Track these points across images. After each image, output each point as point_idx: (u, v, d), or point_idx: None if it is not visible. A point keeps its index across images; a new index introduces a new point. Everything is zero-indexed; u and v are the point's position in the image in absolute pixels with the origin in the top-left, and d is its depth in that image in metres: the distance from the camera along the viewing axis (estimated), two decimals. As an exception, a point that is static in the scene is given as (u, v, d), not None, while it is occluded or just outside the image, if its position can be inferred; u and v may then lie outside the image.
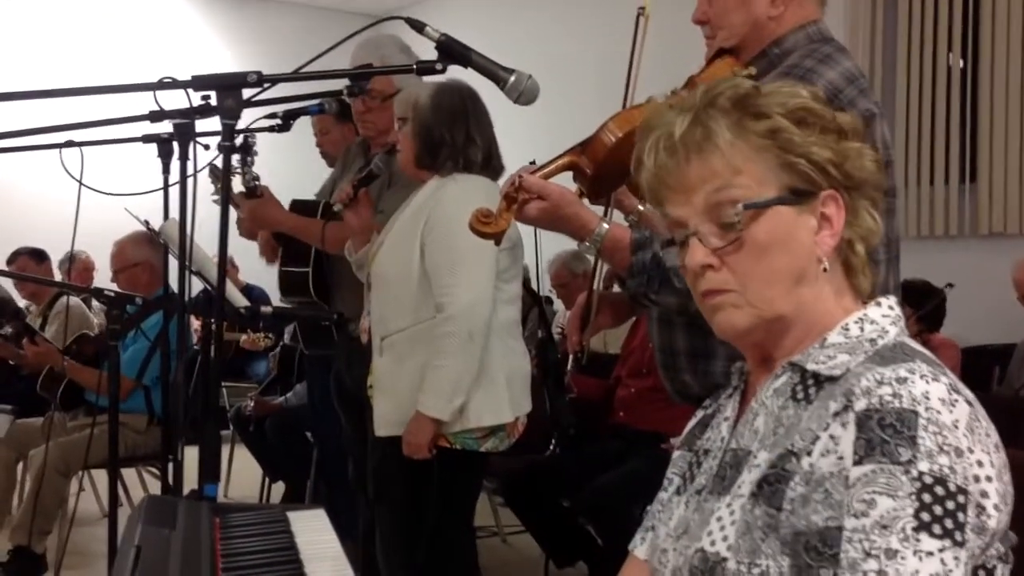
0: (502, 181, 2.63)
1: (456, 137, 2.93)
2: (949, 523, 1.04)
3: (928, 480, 1.04)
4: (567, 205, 1.87)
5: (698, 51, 2.09)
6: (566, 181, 1.92)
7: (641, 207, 2.34)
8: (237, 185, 3.26)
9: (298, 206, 3.66)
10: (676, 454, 1.43)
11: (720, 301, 1.24)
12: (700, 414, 1.45)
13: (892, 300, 1.26)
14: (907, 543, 1.03)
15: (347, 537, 3.14)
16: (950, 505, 1.04)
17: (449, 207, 2.82)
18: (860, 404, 1.10)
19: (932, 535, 1.03)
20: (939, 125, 5.57)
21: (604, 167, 1.92)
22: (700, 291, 1.26)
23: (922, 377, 1.10)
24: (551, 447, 4.91)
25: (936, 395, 1.08)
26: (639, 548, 1.43)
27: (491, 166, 3.00)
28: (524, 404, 3.03)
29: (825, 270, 1.22)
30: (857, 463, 1.08)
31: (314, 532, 1.57)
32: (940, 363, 1.16)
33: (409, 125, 2.97)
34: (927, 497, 1.04)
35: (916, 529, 1.03)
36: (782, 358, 1.25)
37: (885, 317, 1.23)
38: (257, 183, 3.18)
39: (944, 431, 1.06)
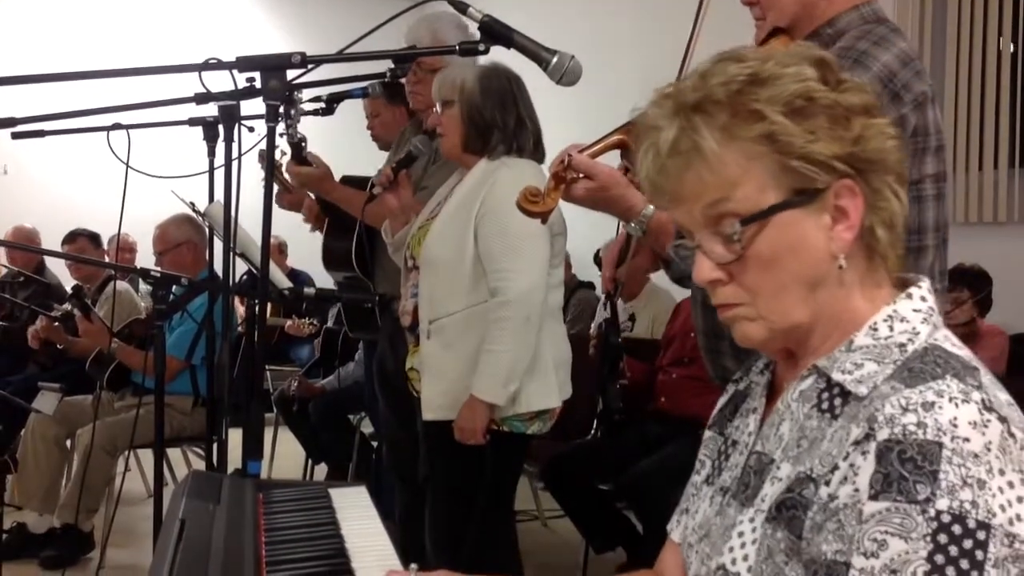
0: (546, 163, 2.63)
1: (507, 120, 2.92)
2: (965, 563, 0.99)
3: (946, 519, 1.00)
4: (615, 186, 1.86)
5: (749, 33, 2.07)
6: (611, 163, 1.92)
7: None
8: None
9: (348, 182, 3.69)
10: (707, 435, 1.41)
11: (733, 315, 1.19)
12: (731, 390, 1.43)
13: (924, 288, 1.19)
14: None
15: (389, 516, 3.18)
16: (967, 544, 0.99)
17: (503, 192, 2.81)
18: (882, 434, 1.04)
19: None
20: (988, 110, 5.47)
21: None
22: (714, 304, 1.22)
23: (951, 400, 1.04)
24: (592, 431, 4.92)
25: (965, 419, 1.03)
26: (675, 531, 1.42)
27: (539, 150, 3.00)
28: (567, 389, 3.05)
29: (841, 267, 1.14)
30: (873, 498, 1.03)
31: (355, 508, 1.59)
32: (974, 366, 1.10)
33: (456, 108, 2.94)
34: (943, 538, 0.99)
35: (928, 573, 0.99)
36: (808, 356, 1.21)
37: (916, 312, 1.16)
38: (303, 143, 3.19)
39: (969, 461, 1.01)
